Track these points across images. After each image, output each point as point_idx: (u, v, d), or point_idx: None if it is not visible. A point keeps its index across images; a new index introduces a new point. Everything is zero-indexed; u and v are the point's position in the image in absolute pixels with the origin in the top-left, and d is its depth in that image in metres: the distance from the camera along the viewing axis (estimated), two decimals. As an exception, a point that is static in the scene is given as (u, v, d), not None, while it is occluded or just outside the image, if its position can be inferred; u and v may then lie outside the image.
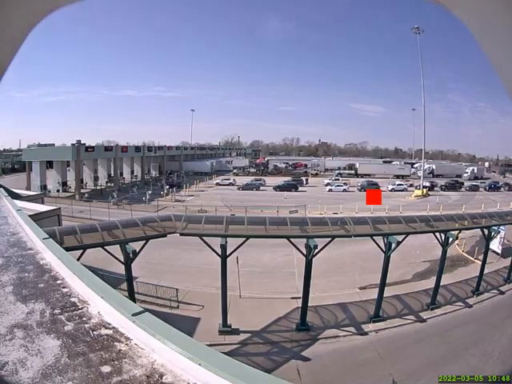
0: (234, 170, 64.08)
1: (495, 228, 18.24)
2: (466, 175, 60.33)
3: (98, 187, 46.68)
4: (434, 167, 63.37)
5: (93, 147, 47.71)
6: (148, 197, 37.54)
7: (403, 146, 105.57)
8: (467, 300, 16.56)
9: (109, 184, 48.94)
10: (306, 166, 65.69)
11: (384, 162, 74.77)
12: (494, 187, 50.49)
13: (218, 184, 51.35)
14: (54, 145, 48.52)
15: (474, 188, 50.01)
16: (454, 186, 50.34)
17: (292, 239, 13.97)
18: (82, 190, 42.84)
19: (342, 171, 61.58)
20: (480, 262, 18.27)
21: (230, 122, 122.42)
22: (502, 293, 17.45)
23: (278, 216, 23.21)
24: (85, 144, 45.34)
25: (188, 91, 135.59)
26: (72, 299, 3.24)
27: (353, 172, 61.25)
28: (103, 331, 2.66)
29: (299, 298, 14.50)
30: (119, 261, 12.94)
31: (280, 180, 50.99)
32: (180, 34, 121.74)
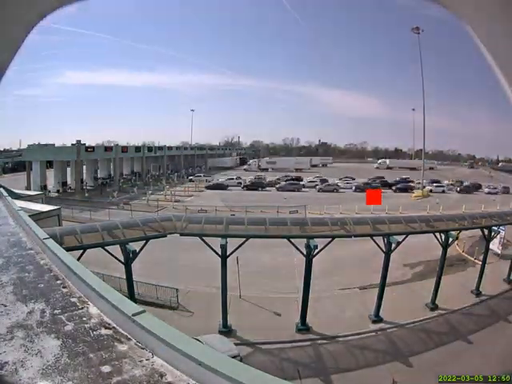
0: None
1: (495, 228, 18.24)
2: None
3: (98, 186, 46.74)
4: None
5: (93, 147, 47.69)
6: (149, 197, 37.62)
7: (403, 147, 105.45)
8: (467, 300, 16.56)
9: (108, 184, 48.96)
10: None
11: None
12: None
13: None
14: (54, 145, 48.49)
15: None
16: None
17: (292, 239, 13.98)
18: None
19: None
20: (480, 263, 18.27)
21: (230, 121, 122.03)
22: (502, 293, 17.45)
23: (278, 216, 23.22)
24: (85, 144, 45.37)
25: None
26: (72, 299, 3.24)
27: None
28: (103, 331, 2.66)
29: (299, 298, 14.51)
30: (119, 261, 12.96)
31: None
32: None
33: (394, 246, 14.58)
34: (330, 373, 11.71)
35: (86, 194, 41.24)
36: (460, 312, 15.68)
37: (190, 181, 51.62)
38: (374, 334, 13.99)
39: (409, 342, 13.39)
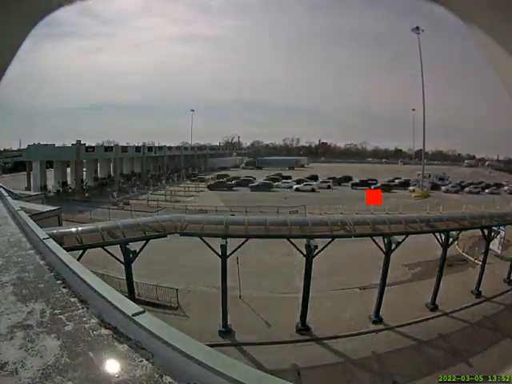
0: None
1: (495, 228, 18.23)
2: None
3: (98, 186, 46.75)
4: None
5: (93, 147, 47.75)
6: (148, 197, 37.66)
7: (403, 147, 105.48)
8: (467, 300, 16.53)
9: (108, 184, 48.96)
10: None
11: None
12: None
13: None
14: (54, 145, 48.57)
15: None
16: None
17: (292, 239, 13.97)
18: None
19: None
20: (480, 263, 18.26)
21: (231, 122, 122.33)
22: (501, 293, 17.43)
23: (278, 216, 23.21)
24: (85, 144, 45.39)
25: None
26: (72, 299, 3.24)
27: None
28: (103, 331, 2.66)
29: (299, 298, 14.50)
30: (119, 261, 12.95)
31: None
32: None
33: (394, 246, 14.57)
34: (330, 373, 11.70)
35: (86, 194, 41.25)
36: (460, 312, 15.52)
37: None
38: (374, 334, 13.96)
39: (409, 342, 13.33)
